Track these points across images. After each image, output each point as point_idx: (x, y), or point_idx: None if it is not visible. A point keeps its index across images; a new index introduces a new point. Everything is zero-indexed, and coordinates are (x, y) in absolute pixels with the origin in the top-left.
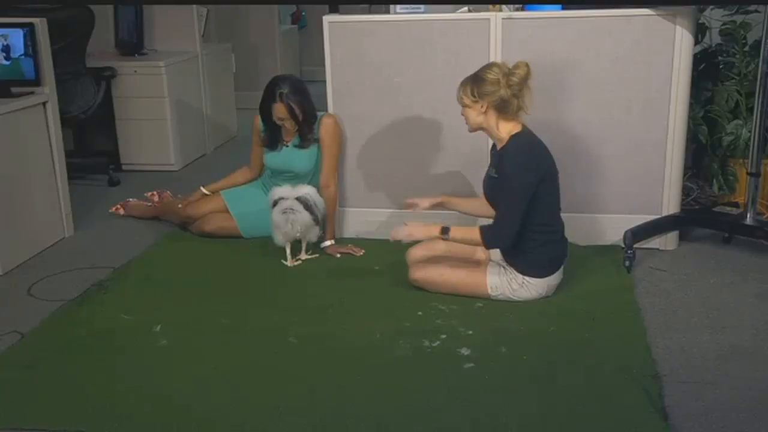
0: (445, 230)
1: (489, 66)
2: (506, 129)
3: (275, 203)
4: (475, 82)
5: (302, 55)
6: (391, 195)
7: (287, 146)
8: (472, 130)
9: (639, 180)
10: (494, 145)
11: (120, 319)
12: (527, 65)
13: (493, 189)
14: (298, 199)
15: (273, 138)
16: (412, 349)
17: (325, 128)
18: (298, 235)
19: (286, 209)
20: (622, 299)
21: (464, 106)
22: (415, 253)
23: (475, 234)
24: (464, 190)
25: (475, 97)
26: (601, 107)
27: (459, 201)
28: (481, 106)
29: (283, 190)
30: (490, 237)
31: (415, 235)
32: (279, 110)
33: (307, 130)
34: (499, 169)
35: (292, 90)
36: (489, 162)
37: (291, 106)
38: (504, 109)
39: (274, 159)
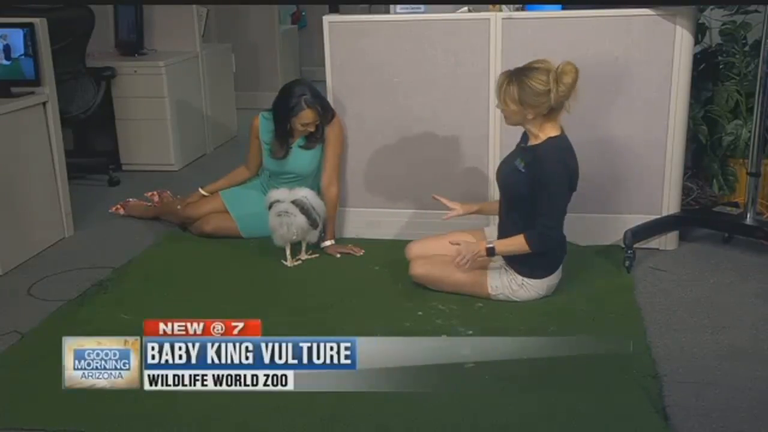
0: (490, 250)
1: (537, 71)
2: (546, 130)
3: (271, 206)
4: (522, 88)
5: (302, 55)
6: (391, 195)
7: (291, 147)
8: (511, 124)
9: (639, 180)
10: (523, 138)
11: (120, 319)
12: (575, 69)
13: (517, 182)
14: (294, 202)
15: (287, 147)
16: None
17: (331, 128)
18: (294, 238)
19: (281, 212)
20: (622, 299)
21: (507, 108)
22: (414, 248)
23: (520, 243)
24: (463, 189)
25: (520, 105)
26: (600, 107)
27: (486, 206)
28: (527, 114)
29: (280, 193)
30: (537, 242)
31: (466, 255)
32: (308, 116)
33: (319, 130)
34: (532, 167)
35: (312, 93)
36: (514, 152)
37: (317, 109)
38: (550, 113)
39: (276, 161)
